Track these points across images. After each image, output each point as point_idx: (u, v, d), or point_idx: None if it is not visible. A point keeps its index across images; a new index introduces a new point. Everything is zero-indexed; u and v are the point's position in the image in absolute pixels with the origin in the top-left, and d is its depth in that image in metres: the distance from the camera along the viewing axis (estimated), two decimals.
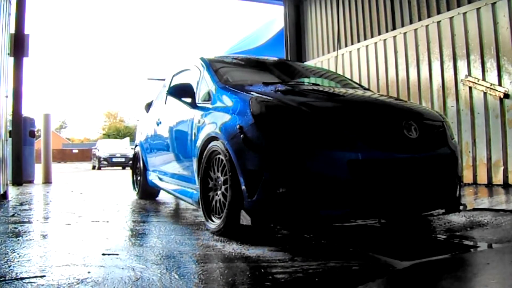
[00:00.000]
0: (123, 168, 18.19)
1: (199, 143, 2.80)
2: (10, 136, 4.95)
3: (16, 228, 2.77)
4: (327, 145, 2.19)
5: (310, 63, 8.19)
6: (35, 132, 7.60)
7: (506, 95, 4.95)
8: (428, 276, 1.73)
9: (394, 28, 6.73)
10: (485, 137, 5.19)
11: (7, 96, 4.53)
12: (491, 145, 5.15)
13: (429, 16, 6.09)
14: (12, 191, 5.33)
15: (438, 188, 2.48)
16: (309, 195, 2.13)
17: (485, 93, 5.19)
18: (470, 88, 5.38)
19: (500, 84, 5.02)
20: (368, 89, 3.70)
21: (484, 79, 5.20)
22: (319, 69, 5.03)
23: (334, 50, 8.05)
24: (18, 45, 6.38)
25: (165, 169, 3.83)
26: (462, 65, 5.50)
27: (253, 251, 2.10)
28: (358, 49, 7.36)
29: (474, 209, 3.30)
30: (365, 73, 7.15)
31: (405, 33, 6.37)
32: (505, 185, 4.91)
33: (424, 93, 6.05)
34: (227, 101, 2.69)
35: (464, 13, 5.42)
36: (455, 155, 2.61)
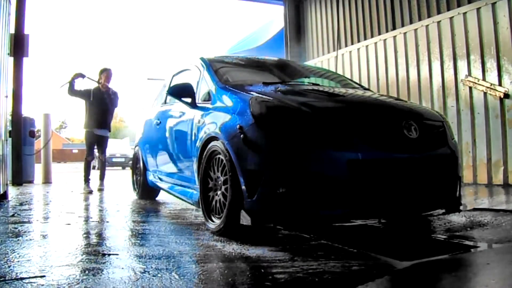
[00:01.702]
0: (123, 168, 18.18)
1: (199, 143, 2.80)
2: (10, 136, 4.95)
3: (16, 228, 2.77)
4: (327, 145, 2.19)
5: (310, 63, 8.19)
6: (35, 132, 7.59)
7: (506, 95, 4.95)
8: (428, 276, 1.73)
9: (394, 28, 6.74)
10: (485, 137, 5.19)
11: (7, 96, 4.53)
12: (491, 145, 5.15)
13: (429, 16, 6.10)
14: (12, 191, 5.33)
15: (438, 188, 2.48)
16: (309, 195, 2.13)
17: (485, 93, 5.19)
18: (470, 88, 5.38)
19: (500, 84, 5.02)
20: (368, 89, 3.70)
21: (484, 79, 5.20)
22: (319, 69, 5.02)
23: (334, 50, 8.05)
24: (18, 45, 6.38)
25: (165, 169, 3.83)
26: (462, 65, 5.50)
27: (253, 251, 2.10)
28: (358, 49, 7.35)
29: (474, 209, 3.30)
30: (365, 73, 7.15)
31: (405, 33, 6.37)
32: (505, 185, 4.91)
33: (424, 93, 6.05)
34: (227, 101, 2.69)
35: (464, 13, 5.42)
36: (455, 155, 2.61)
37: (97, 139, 5.66)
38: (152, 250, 2.15)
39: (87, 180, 5.54)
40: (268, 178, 2.18)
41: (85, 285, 1.55)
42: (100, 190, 5.65)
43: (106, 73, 5.63)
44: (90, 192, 5.39)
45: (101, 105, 5.51)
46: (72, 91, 5.43)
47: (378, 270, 1.78)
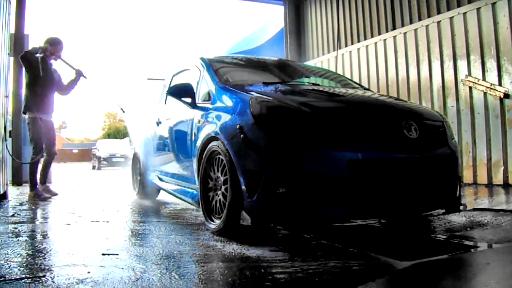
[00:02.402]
0: (123, 168, 18.17)
1: (199, 143, 2.80)
2: (10, 136, 4.94)
3: (16, 228, 2.77)
4: (327, 145, 2.19)
5: (310, 63, 8.19)
6: None
7: (506, 95, 4.95)
8: (428, 276, 1.73)
9: (394, 28, 6.73)
10: (485, 137, 5.19)
11: (7, 96, 4.52)
12: (491, 145, 5.14)
13: (429, 16, 6.09)
14: (12, 191, 5.33)
15: (438, 188, 2.48)
16: (309, 195, 2.13)
17: (485, 93, 5.19)
18: (470, 88, 5.38)
19: (500, 84, 5.02)
20: (368, 89, 3.70)
21: (484, 79, 5.19)
22: (319, 69, 5.02)
23: (334, 50, 8.05)
24: (18, 45, 6.38)
25: (165, 169, 3.83)
26: (462, 65, 5.49)
27: (253, 251, 2.10)
28: (358, 49, 7.35)
29: (474, 209, 3.30)
30: (365, 73, 7.15)
31: (405, 33, 6.37)
32: (505, 185, 4.91)
33: (424, 93, 6.05)
34: (227, 101, 2.69)
35: (464, 13, 5.42)
36: (455, 155, 2.61)
37: (47, 127, 4.55)
38: (152, 250, 2.15)
39: (44, 181, 4.73)
40: (268, 178, 2.18)
41: (85, 285, 1.55)
42: (52, 195, 4.66)
43: (58, 47, 4.57)
44: (55, 194, 4.73)
45: (51, 83, 4.44)
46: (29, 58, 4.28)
47: (378, 270, 1.78)
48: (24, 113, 4.45)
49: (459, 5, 5.62)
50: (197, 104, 3.07)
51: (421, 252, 2.14)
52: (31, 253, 2.08)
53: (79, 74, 4.72)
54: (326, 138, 2.21)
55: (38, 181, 4.66)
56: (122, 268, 1.79)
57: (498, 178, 5.05)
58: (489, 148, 5.16)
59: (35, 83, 4.36)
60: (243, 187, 2.26)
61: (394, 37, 6.57)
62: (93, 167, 19.10)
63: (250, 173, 2.25)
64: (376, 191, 2.20)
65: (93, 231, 2.78)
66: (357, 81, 5.39)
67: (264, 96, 2.49)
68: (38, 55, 4.29)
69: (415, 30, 6.18)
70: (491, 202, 3.77)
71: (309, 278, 1.66)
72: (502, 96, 4.98)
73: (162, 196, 4.70)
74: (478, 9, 5.23)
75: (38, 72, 4.28)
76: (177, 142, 3.48)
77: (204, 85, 3.13)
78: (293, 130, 2.23)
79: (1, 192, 4.15)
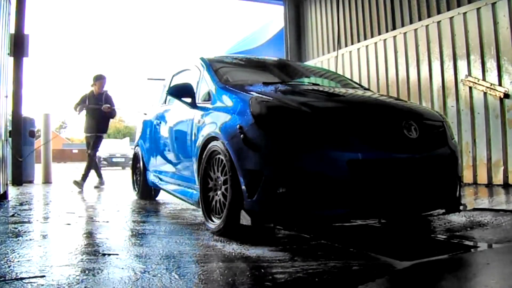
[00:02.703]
0: (123, 168, 18.18)
1: (199, 143, 2.80)
2: (10, 136, 4.94)
3: (16, 228, 2.77)
4: (327, 145, 2.19)
5: (310, 63, 8.19)
6: (35, 132, 7.58)
7: (506, 95, 4.95)
8: (428, 276, 1.73)
9: (394, 28, 6.73)
10: (485, 137, 5.19)
11: (7, 96, 4.52)
12: (491, 145, 5.14)
13: (429, 16, 6.09)
14: (12, 191, 5.33)
15: (438, 188, 2.48)
16: (309, 195, 2.13)
17: (485, 93, 5.19)
18: (470, 88, 5.38)
19: (500, 84, 5.02)
20: (368, 89, 3.70)
21: (484, 79, 5.19)
22: (319, 69, 5.02)
23: (334, 50, 8.05)
24: (18, 45, 6.38)
25: (165, 169, 3.83)
26: (462, 65, 5.49)
27: (253, 251, 2.10)
28: (358, 49, 7.35)
29: (474, 209, 3.30)
30: (365, 73, 7.14)
31: (405, 33, 6.37)
32: (505, 185, 4.91)
33: (424, 93, 6.05)
34: (227, 101, 2.69)
35: (464, 13, 5.42)
36: (455, 155, 2.61)
37: (91, 139, 6.12)
38: (152, 250, 2.15)
39: (83, 179, 6.01)
40: (268, 178, 2.18)
41: (85, 285, 1.55)
42: (78, 188, 5.90)
43: (101, 81, 6.12)
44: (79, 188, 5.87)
45: (95, 109, 5.98)
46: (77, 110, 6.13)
47: (378, 270, 1.78)
48: None
49: (459, 5, 5.62)
50: (197, 104, 3.07)
51: (421, 252, 2.14)
52: (31, 253, 2.08)
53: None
54: (326, 138, 2.21)
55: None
56: (122, 268, 1.79)
57: (498, 178, 5.05)
58: (489, 148, 5.16)
59: (86, 111, 6.12)
60: (243, 187, 2.26)
61: (394, 37, 6.57)
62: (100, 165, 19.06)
63: (250, 173, 2.25)
64: (376, 191, 2.20)
65: (93, 231, 2.78)
66: (357, 81, 5.39)
67: (264, 96, 2.49)
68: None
69: (415, 30, 6.18)
70: (491, 202, 3.77)
71: (309, 278, 1.66)
72: (502, 96, 4.98)
73: (162, 196, 4.70)
74: (478, 9, 5.23)
75: (86, 102, 6.06)
76: (177, 142, 3.48)
77: (204, 85, 3.13)
78: (293, 130, 2.23)
79: (1, 192, 4.15)
